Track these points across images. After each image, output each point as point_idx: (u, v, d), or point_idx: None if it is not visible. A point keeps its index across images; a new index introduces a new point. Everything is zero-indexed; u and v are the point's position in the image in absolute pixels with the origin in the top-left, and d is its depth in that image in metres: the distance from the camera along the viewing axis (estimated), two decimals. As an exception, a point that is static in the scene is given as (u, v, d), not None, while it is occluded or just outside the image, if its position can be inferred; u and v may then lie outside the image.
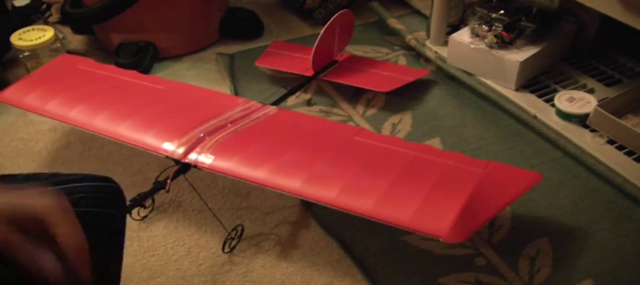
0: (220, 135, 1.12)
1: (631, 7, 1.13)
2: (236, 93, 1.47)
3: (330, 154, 1.07)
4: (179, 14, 1.62)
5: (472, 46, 1.45)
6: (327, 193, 0.98)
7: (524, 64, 1.40)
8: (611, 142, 1.30)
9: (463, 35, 1.50)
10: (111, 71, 1.36)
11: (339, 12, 1.45)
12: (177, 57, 1.66)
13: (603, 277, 1.05)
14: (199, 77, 1.56)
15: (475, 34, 1.48)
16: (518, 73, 1.41)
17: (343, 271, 1.07)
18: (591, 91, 1.44)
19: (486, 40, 1.45)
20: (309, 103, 1.45)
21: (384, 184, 0.98)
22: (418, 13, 1.84)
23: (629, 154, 1.27)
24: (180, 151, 1.07)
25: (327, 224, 1.16)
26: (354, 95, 1.47)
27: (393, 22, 1.71)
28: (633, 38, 1.36)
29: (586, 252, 1.10)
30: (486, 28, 1.46)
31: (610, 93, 1.42)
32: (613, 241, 1.11)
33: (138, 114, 1.18)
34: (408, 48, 1.66)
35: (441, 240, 0.88)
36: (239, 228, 1.13)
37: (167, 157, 1.08)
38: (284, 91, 1.37)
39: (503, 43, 1.44)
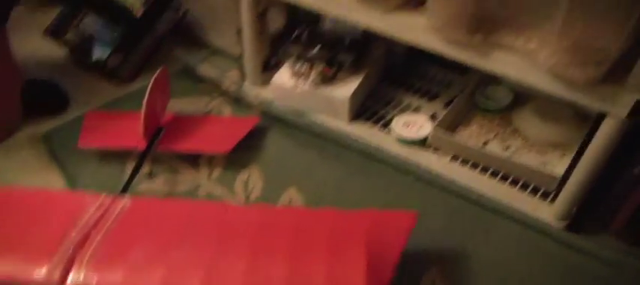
0: (91, 247, 1.08)
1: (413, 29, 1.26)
2: (72, 183, 1.41)
3: (213, 244, 1.09)
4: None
5: (297, 89, 1.52)
6: None
7: (353, 97, 1.50)
8: (453, 158, 1.42)
9: (283, 76, 1.57)
10: None
11: (157, 72, 1.45)
12: (-17, 150, 1.54)
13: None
14: (20, 169, 1.47)
15: (297, 74, 1.54)
16: (349, 107, 1.49)
17: None
18: (417, 109, 1.55)
19: (310, 79, 1.52)
20: (150, 175, 1.43)
21: (283, 270, 1.02)
22: (220, 52, 1.86)
23: (474, 166, 1.41)
24: (56, 275, 1.03)
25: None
26: (193, 158, 1.48)
27: (203, 70, 1.73)
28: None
29: (475, 270, 1.22)
30: (307, 66, 1.52)
31: (434, 108, 1.58)
32: (493, 255, 1.25)
33: None
34: (225, 93, 1.69)
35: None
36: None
37: None
38: (119, 169, 1.38)
39: (327, 80, 1.53)
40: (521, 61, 1.14)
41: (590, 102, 1.09)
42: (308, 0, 1.37)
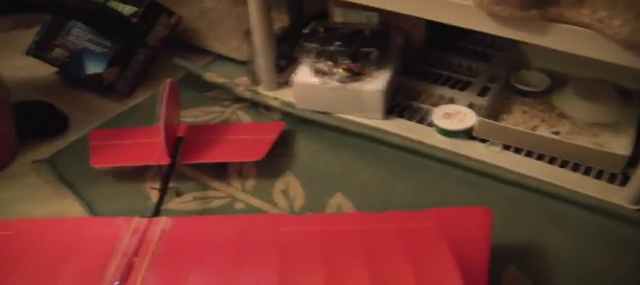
0: (139, 277, 0.98)
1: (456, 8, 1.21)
2: (90, 208, 1.31)
3: (278, 262, 0.99)
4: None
5: (325, 85, 1.44)
6: None
7: (385, 90, 1.43)
8: (505, 147, 1.37)
9: (304, 75, 1.50)
10: None
11: (167, 82, 1.36)
12: (-21, 181, 1.43)
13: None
14: (27, 198, 1.37)
15: (319, 72, 1.47)
16: (383, 102, 1.42)
17: None
18: (451, 101, 1.51)
19: (337, 76, 1.46)
20: (177, 193, 1.34)
21: (366, 282, 0.93)
22: (221, 57, 1.80)
23: (529, 154, 1.35)
24: None
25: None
26: (220, 169, 1.40)
27: (212, 77, 1.64)
28: (456, 36, 1.52)
29: (557, 266, 1.15)
30: (331, 63, 1.45)
31: (469, 97, 1.53)
32: (567, 244, 1.19)
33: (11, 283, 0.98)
34: (240, 100, 1.60)
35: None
36: None
37: None
38: (138, 188, 1.30)
39: (354, 75, 1.45)
40: (588, 34, 1.09)
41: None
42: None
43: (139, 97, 1.71)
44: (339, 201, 1.31)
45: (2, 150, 1.50)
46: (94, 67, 1.67)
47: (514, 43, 1.42)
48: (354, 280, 0.93)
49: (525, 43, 1.31)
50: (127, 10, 1.71)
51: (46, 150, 1.51)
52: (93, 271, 0.98)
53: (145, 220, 1.10)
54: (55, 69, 1.77)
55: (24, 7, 1.63)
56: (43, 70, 1.78)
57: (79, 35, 1.72)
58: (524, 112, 1.45)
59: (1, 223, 1.13)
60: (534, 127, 1.40)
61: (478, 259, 1.00)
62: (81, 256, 1.03)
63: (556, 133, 1.39)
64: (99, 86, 1.68)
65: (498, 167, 1.33)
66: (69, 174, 1.43)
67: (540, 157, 1.35)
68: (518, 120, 1.43)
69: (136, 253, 1.02)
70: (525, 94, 1.50)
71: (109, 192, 1.37)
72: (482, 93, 1.54)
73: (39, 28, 1.80)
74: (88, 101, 1.70)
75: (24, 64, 1.78)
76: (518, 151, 1.37)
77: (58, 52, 1.72)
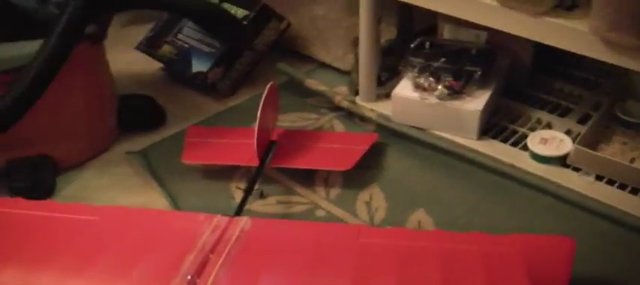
0: (212, 274, 0.99)
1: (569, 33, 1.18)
2: (174, 202, 1.35)
3: (353, 272, 0.99)
4: (72, 116, 1.47)
5: (424, 101, 1.44)
6: None
7: (483, 111, 1.42)
8: (598, 178, 1.32)
9: (405, 89, 1.51)
10: (14, 207, 1.17)
11: (268, 86, 1.39)
12: (78, 166, 1.50)
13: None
14: (118, 186, 1.43)
15: (420, 87, 1.47)
16: (479, 122, 1.40)
17: None
18: (549, 126, 1.47)
19: (437, 93, 1.45)
20: (261, 195, 1.36)
21: None
22: (325, 65, 1.81)
23: (622, 187, 1.31)
24: None
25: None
26: (306, 176, 1.42)
27: (313, 84, 1.66)
28: (564, 61, 1.52)
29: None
30: (432, 79, 1.44)
31: (567, 124, 1.50)
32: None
33: (91, 266, 1.01)
34: (337, 108, 1.62)
35: None
36: None
37: None
38: (224, 187, 1.33)
39: (453, 93, 1.44)
40: None
41: None
42: (445, 5, 1.30)
43: (240, 99, 1.75)
44: (420, 217, 1.30)
45: (104, 137, 1.58)
46: (199, 66, 1.72)
47: (623, 72, 1.38)
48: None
49: (635, 72, 1.26)
50: (240, 12, 1.75)
51: (142, 142, 1.57)
52: (169, 264, 1.00)
53: (226, 219, 1.12)
54: (162, 65, 1.82)
55: (142, 4, 1.69)
56: (150, 66, 1.84)
57: (189, 34, 1.77)
58: (624, 143, 1.40)
59: (88, 207, 1.17)
60: (632, 160, 1.35)
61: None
62: (160, 247, 1.06)
63: (656, 167, 1.33)
64: (202, 85, 1.73)
65: (590, 198, 1.30)
66: (159, 167, 1.48)
67: (635, 192, 1.30)
68: (616, 151, 1.38)
69: (212, 250, 1.04)
70: (628, 125, 1.45)
71: (195, 188, 1.41)
72: (583, 121, 1.50)
73: (153, 24, 1.87)
74: (189, 98, 1.76)
75: (133, 58, 1.86)
76: (611, 183, 1.33)
77: (166, 49, 1.78)
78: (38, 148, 1.45)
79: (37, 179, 1.42)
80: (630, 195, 1.31)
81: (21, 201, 1.19)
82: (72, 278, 0.99)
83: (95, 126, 1.54)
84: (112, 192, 1.43)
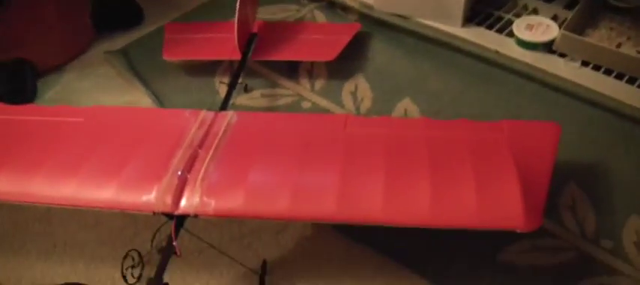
0: (202, 168, 0.99)
1: None
2: (159, 100, 1.35)
3: (341, 160, 1.00)
4: (45, 17, 1.45)
5: (408, -13, 1.42)
6: (372, 210, 0.91)
7: (468, -4, 1.39)
8: (584, 63, 1.33)
9: (388, -24, 1.46)
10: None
11: (245, -23, 1.35)
12: (57, 68, 1.49)
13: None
14: (101, 87, 1.42)
15: (402, -27, 1.45)
16: (464, 8, 1.40)
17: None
18: (535, 12, 1.47)
19: (419, -22, 1.42)
20: (245, 89, 1.36)
21: (426, 183, 0.93)
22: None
23: (608, 72, 1.32)
24: (168, 201, 0.93)
25: (349, 232, 1.12)
26: (290, 68, 1.42)
27: (293, -26, 1.64)
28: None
29: (618, 187, 1.14)
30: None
31: (554, 10, 1.49)
32: (633, 169, 1.17)
33: (81, 166, 1.00)
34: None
35: (517, 231, 0.87)
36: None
37: (154, 213, 0.93)
38: (207, 83, 1.33)
39: (437, -22, 1.42)
40: None
41: None
42: None
43: (216, -7, 1.71)
44: (406, 106, 1.31)
45: (80, 37, 1.56)
46: (174, -41, 1.68)
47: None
48: (414, 184, 0.94)
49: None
50: None
51: (120, 42, 1.56)
52: (159, 160, 1.01)
53: (212, 114, 1.12)
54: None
55: None
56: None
57: None
58: (611, 28, 1.40)
59: (72, 109, 1.16)
60: (620, 44, 1.35)
61: (540, 172, 0.99)
62: (148, 145, 1.06)
63: (640, 52, 1.34)
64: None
65: (576, 84, 1.30)
66: (141, 66, 1.47)
67: (620, 77, 1.31)
68: (602, 36, 1.39)
69: (200, 145, 1.04)
70: (616, 10, 1.44)
71: (179, 85, 1.41)
72: (570, 6, 1.49)
73: None
74: (166, -6, 1.72)
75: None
76: (597, 68, 1.33)
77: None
78: (14, 52, 1.43)
79: (17, 83, 1.40)
80: (616, 80, 1.31)
81: (3, 106, 1.18)
82: (63, 180, 0.98)
83: (70, 26, 1.52)
84: (95, 93, 1.43)
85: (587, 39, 1.34)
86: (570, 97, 1.30)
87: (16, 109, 1.17)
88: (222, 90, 1.33)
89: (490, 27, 1.46)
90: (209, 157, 1.01)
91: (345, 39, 1.42)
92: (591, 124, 1.25)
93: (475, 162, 0.97)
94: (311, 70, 1.41)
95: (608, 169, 1.17)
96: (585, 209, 1.11)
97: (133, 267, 1.07)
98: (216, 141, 1.05)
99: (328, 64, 1.40)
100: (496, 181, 0.93)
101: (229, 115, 1.12)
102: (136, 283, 1.07)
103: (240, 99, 1.34)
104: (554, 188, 1.06)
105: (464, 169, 0.96)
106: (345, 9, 1.57)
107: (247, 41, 1.39)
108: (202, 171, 0.98)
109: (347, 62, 1.41)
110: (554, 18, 1.45)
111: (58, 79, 1.47)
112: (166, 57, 1.42)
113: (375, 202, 0.91)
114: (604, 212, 1.11)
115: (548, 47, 1.37)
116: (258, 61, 1.41)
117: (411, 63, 1.41)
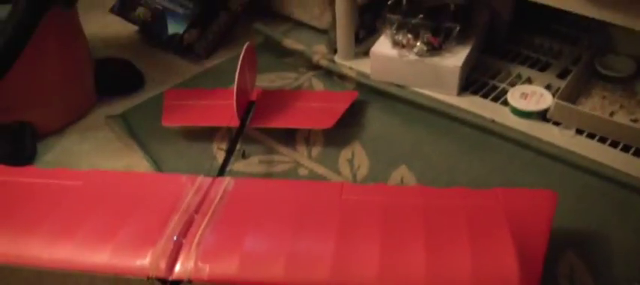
0: (198, 233, 1.00)
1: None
2: (157, 164, 1.37)
3: (336, 227, 1.01)
4: (48, 81, 1.47)
5: (403, 58, 1.46)
6: (367, 278, 0.92)
7: (463, 67, 1.44)
8: (578, 132, 1.36)
9: (384, 47, 1.52)
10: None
11: (245, 46, 1.40)
12: (58, 131, 1.50)
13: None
14: (100, 151, 1.44)
15: (398, 44, 1.48)
16: (459, 78, 1.42)
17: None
18: (529, 81, 1.50)
19: (415, 49, 1.47)
20: (243, 155, 1.38)
21: (421, 251, 0.94)
22: (302, 24, 1.83)
23: (602, 140, 1.34)
24: (162, 265, 0.94)
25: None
26: (287, 135, 1.44)
27: (290, 43, 1.68)
28: (544, 16, 1.52)
29: (616, 256, 1.14)
30: (411, 36, 1.46)
31: (547, 79, 1.52)
32: (631, 238, 1.17)
33: (77, 230, 1.01)
34: (315, 67, 1.63)
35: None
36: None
37: (148, 278, 0.94)
38: (205, 149, 1.35)
39: (432, 49, 1.46)
40: None
41: None
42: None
43: (217, 60, 1.76)
44: (402, 173, 1.32)
45: (82, 102, 1.58)
46: (174, 28, 1.72)
47: (603, 26, 1.39)
48: (409, 252, 0.94)
49: (614, 26, 1.27)
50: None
51: (121, 106, 1.58)
52: (154, 225, 1.02)
53: (209, 179, 1.13)
54: (137, 28, 1.82)
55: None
56: (126, 29, 1.84)
57: (162, -4, 1.77)
58: (604, 97, 1.43)
59: (71, 172, 1.18)
60: (612, 113, 1.38)
61: (537, 241, 1.00)
62: (144, 210, 1.07)
63: (634, 120, 1.36)
64: (178, 47, 1.73)
65: (570, 152, 1.32)
66: (140, 130, 1.49)
67: (615, 145, 1.33)
68: (596, 104, 1.41)
69: (197, 210, 1.05)
70: (608, 79, 1.47)
71: (177, 150, 1.43)
72: (563, 75, 1.52)
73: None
74: (166, 61, 1.76)
75: (109, 21, 1.86)
76: (592, 136, 1.35)
77: (140, 11, 1.78)
78: (16, 114, 1.45)
79: (17, 145, 1.42)
80: (610, 148, 1.33)
81: (2, 167, 1.20)
82: (58, 243, 0.99)
83: (73, 91, 1.54)
84: (94, 157, 1.44)
85: (580, 108, 1.37)
86: (566, 164, 1.32)
87: (15, 171, 1.18)
88: (220, 156, 1.35)
89: (485, 96, 1.49)
90: (205, 222, 1.03)
91: (343, 107, 1.44)
92: (587, 191, 1.26)
93: (471, 230, 0.98)
94: (308, 137, 1.43)
95: (606, 237, 1.18)
96: (584, 279, 1.11)
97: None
98: (212, 206, 1.07)
99: (325, 131, 1.42)
100: (492, 249, 0.94)
101: (226, 180, 1.14)
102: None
103: (237, 165, 1.36)
104: (551, 257, 1.08)
105: (459, 237, 0.97)
106: (343, 77, 1.60)
107: (246, 108, 1.41)
108: (198, 236, 0.99)
109: (344, 129, 1.43)
110: (548, 87, 1.47)
111: (57, 142, 1.48)
112: (165, 123, 1.44)
113: (370, 270, 0.92)
114: (603, 282, 1.10)
115: (542, 116, 1.39)
116: (256, 128, 1.41)
117: (408, 131, 1.43)
